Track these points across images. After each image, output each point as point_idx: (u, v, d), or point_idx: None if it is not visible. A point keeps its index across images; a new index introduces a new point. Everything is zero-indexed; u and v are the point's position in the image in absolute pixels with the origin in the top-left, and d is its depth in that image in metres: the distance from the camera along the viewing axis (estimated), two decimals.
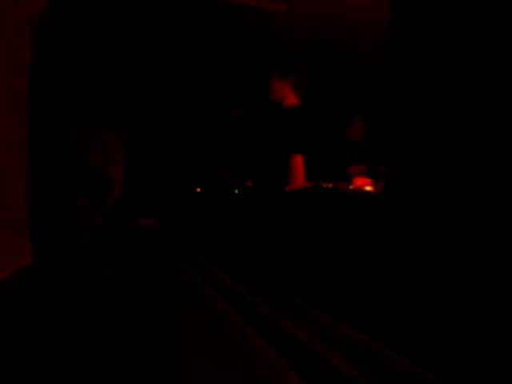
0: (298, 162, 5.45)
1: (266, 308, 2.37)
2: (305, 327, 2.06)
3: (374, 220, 3.06)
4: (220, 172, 6.55)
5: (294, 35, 5.86)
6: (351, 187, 5.15)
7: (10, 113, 3.20)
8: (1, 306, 2.38)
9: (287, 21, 6.24)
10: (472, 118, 2.20)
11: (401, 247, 2.62)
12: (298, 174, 5.46)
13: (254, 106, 6.18)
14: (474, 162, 2.21)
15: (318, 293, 2.72)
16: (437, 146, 2.44)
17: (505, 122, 2.01)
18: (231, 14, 6.25)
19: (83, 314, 2.25)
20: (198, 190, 6.42)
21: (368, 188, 4.86)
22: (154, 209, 6.15)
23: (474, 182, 2.21)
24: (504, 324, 1.77)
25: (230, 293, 2.77)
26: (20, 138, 3.39)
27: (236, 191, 5.92)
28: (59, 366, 1.57)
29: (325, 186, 5.23)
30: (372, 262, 2.83)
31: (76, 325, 2.06)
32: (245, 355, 1.73)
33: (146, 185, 6.04)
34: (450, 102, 2.35)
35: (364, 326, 2.03)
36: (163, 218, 6.18)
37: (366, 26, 5.45)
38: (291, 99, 5.56)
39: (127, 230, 5.34)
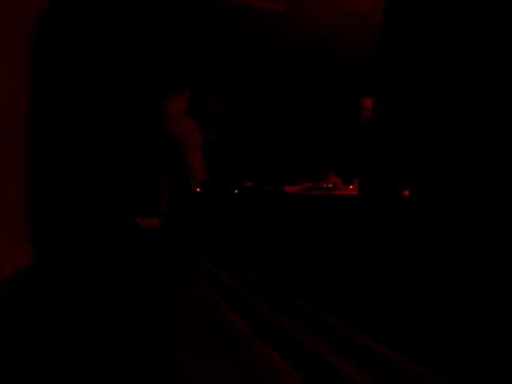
0: None
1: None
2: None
3: None
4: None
5: None
6: None
7: (10, 114, 3.20)
8: (1, 305, 2.38)
9: None
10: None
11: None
12: None
13: None
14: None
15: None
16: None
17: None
18: None
19: (79, 315, 2.25)
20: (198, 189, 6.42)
21: None
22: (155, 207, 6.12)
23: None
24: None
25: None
26: (20, 139, 3.39)
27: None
28: (57, 364, 1.58)
29: None
30: None
31: (73, 326, 2.06)
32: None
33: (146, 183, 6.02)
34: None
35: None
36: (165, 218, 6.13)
37: None
38: None
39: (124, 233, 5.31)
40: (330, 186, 5.38)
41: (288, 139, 7.04)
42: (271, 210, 5.49)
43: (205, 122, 6.64)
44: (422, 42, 2.49)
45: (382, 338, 1.83)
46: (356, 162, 5.33)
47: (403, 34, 2.62)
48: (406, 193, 3.10)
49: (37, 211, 3.72)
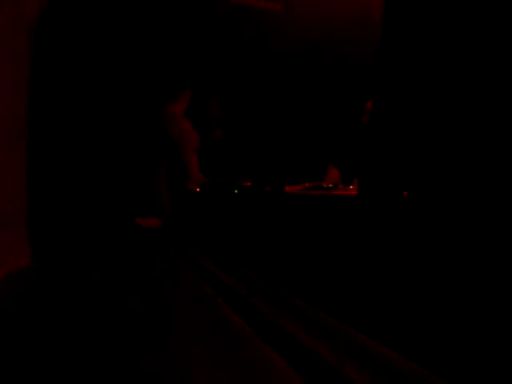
0: None
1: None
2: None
3: None
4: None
5: None
6: None
7: (10, 114, 3.19)
8: (1, 305, 2.38)
9: None
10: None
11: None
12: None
13: None
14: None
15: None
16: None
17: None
18: None
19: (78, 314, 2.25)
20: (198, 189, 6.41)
21: None
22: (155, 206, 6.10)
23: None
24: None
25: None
26: (20, 139, 3.39)
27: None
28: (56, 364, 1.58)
29: None
30: None
31: (71, 325, 2.06)
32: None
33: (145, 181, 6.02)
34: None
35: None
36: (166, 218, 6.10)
37: None
38: None
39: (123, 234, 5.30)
40: (330, 185, 5.38)
41: (288, 139, 7.04)
42: (271, 210, 5.49)
43: (205, 121, 6.64)
44: (421, 42, 2.49)
45: (382, 337, 1.83)
46: (356, 163, 5.33)
47: (402, 33, 2.62)
48: (406, 193, 3.10)
49: (36, 211, 3.72)
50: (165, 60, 6.07)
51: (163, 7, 5.91)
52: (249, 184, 6.06)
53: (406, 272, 2.68)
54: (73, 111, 4.74)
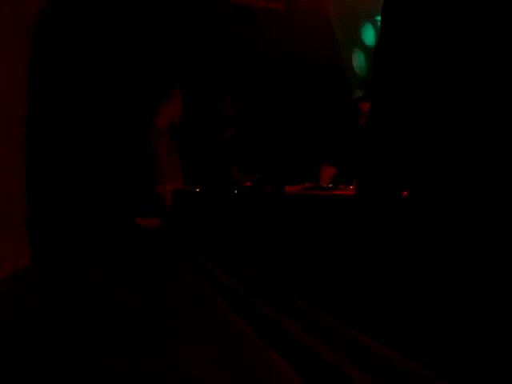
0: None
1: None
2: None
3: None
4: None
5: None
6: None
7: (10, 114, 3.19)
8: (0, 306, 2.38)
9: None
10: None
11: None
12: None
13: None
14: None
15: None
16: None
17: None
18: None
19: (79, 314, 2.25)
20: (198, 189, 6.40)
21: None
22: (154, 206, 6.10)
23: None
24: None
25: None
26: (19, 139, 3.39)
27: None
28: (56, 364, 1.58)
29: None
30: None
31: (72, 325, 2.06)
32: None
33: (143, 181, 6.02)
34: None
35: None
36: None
37: None
38: None
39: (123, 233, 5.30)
40: (331, 185, 5.36)
41: (288, 139, 7.04)
42: (271, 210, 5.48)
43: (216, 121, 6.65)
44: (420, 41, 2.49)
45: (382, 337, 1.83)
46: (353, 162, 5.33)
47: (402, 33, 2.62)
48: (405, 194, 3.09)
49: (36, 211, 3.72)
50: (163, 60, 6.07)
51: (163, 8, 5.92)
52: (249, 184, 6.05)
53: (405, 272, 2.68)
54: (73, 111, 4.74)
